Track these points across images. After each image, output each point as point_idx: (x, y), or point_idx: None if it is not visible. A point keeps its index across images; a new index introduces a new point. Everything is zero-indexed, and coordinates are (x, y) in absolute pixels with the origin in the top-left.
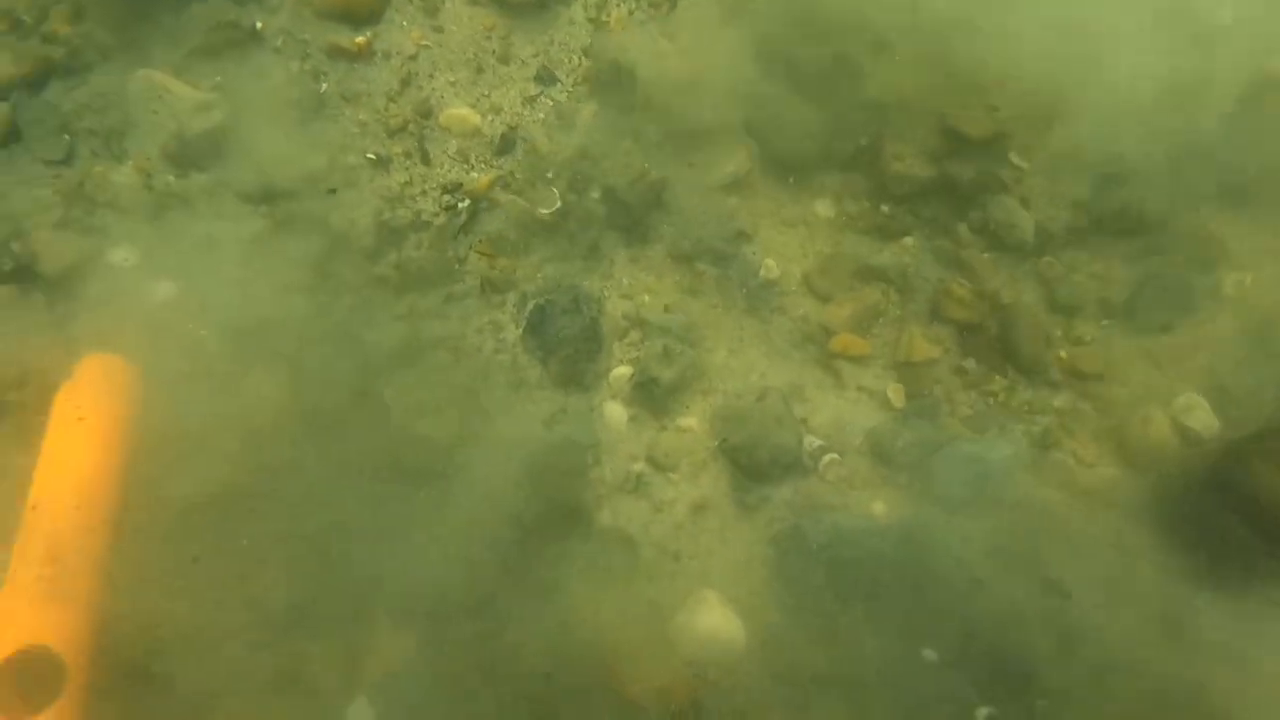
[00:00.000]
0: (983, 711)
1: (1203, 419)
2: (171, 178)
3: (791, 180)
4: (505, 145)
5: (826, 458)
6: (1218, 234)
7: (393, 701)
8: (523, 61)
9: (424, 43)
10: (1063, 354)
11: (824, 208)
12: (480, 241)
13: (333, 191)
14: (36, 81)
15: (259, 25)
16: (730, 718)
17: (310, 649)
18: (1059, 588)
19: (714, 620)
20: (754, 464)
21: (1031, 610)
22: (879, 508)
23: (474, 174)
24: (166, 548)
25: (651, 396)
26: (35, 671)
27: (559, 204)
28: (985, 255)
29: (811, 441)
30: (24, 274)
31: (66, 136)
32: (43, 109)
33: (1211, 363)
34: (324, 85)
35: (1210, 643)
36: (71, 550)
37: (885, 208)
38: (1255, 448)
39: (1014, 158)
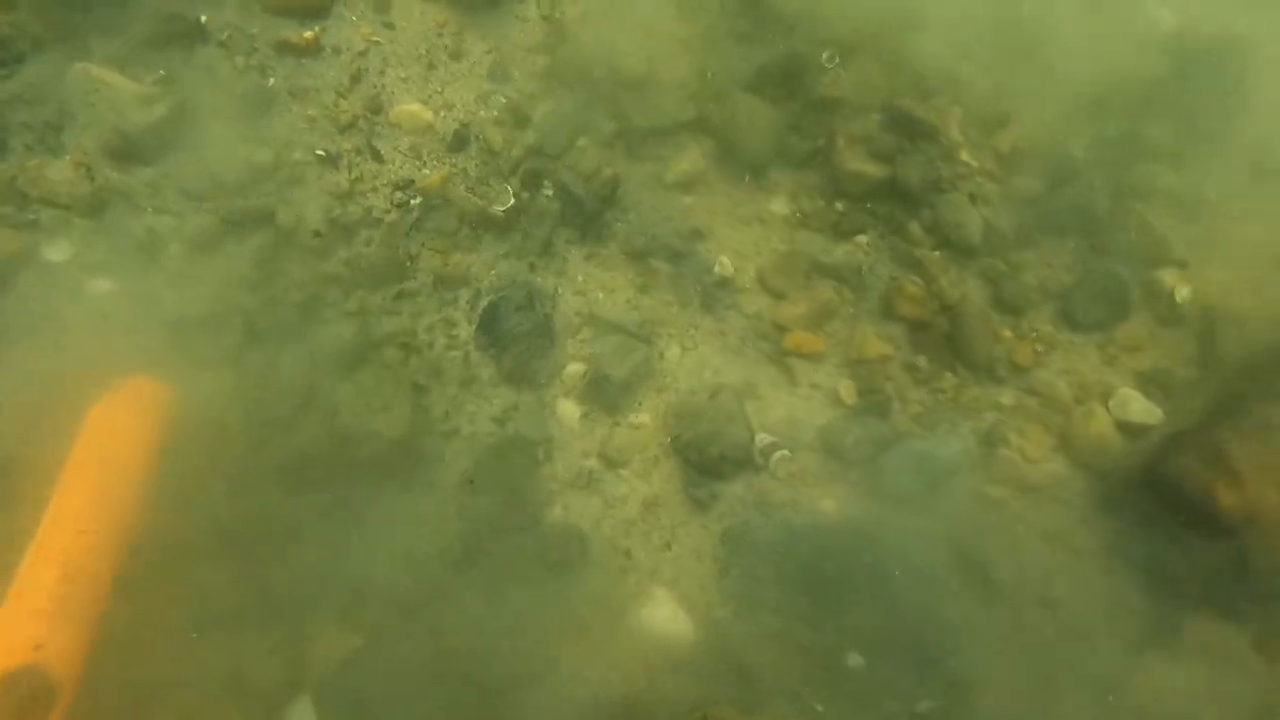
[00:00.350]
0: (923, 705)
1: (1140, 414)
2: (112, 172)
3: (747, 178)
4: (458, 142)
5: (778, 454)
6: (1160, 232)
7: (335, 699)
8: (475, 58)
9: (374, 38)
10: (1010, 351)
11: (779, 205)
12: (433, 238)
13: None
14: None
15: (204, 19)
16: (678, 715)
17: (254, 647)
18: (1003, 585)
19: (663, 617)
20: (706, 460)
21: (975, 605)
22: (829, 504)
23: (426, 171)
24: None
25: (604, 393)
26: (29, 689)
27: (513, 201)
28: (936, 253)
29: (763, 438)
30: None
31: None
32: None
33: (1152, 358)
34: (271, 80)
35: (1146, 634)
36: (81, 570)
37: (839, 206)
38: (1182, 441)
39: (964, 156)
